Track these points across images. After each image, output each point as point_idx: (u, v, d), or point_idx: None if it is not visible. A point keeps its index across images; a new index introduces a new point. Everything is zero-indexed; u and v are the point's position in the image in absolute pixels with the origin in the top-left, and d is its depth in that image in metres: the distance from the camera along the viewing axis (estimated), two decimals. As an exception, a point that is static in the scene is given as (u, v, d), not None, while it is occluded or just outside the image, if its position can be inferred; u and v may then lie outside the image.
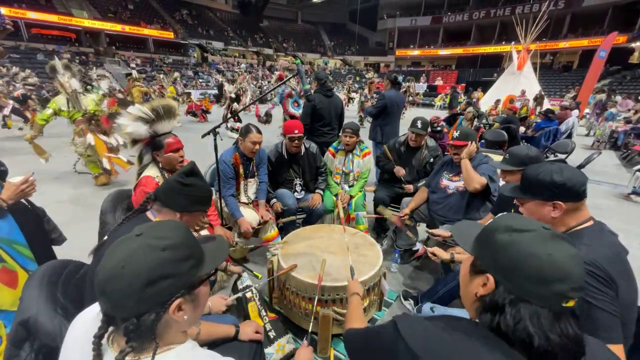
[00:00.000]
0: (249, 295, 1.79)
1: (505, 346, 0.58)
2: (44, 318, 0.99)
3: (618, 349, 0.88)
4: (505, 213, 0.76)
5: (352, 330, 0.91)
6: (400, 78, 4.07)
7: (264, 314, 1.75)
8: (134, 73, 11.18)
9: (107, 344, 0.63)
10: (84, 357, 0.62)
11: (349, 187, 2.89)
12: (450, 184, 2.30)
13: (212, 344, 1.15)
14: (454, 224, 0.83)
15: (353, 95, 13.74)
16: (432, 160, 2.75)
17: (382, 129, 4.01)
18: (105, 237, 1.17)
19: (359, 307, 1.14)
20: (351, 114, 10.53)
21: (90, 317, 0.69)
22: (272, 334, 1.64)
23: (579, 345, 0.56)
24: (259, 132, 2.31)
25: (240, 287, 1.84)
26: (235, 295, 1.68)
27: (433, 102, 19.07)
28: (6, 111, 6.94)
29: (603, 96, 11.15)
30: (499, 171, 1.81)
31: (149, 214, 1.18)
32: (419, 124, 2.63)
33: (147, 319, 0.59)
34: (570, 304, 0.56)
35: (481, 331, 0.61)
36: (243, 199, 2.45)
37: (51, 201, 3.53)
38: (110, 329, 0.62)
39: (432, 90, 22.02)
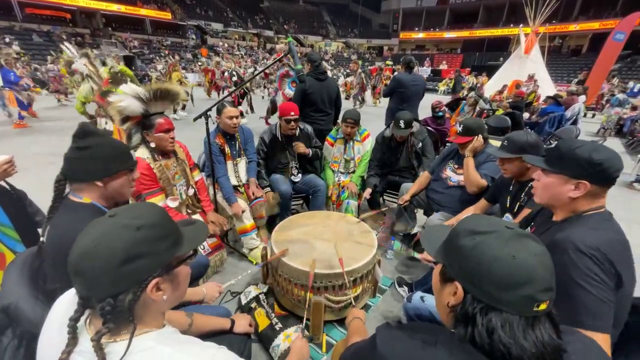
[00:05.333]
0: (253, 305, 1.81)
1: None
2: (25, 305, 0.97)
3: (604, 338, 0.86)
4: (470, 214, 0.71)
5: (343, 353, 0.88)
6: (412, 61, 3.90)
7: (271, 311, 1.77)
8: (171, 59, 10.92)
9: (83, 326, 0.62)
10: (62, 340, 0.61)
11: (349, 173, 2.85)
12: (452, 175, 2.23)
13: (203, 336, 1.14)
14: (423, 230, 0.79)
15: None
16: (420, 145, 2.68)
17: (394, 115, 3.91)
18: (43, 238, 1.05)
19: (359, 329, 1.09)
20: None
21: (68, 300, 0.68)
22: (278, 326, 1.65)
23: (556, 353, 0.52)
24: (234, 106, 2.30)
25: (245, 301, 1.85)
26: (229, 283, 1.67)
27: (437, 87, 18.69)
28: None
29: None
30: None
31: (72, 197, 1.06)
32: (401, 124, 2.52)
33: (124, 299, 0.59)
34: (542, 307, 0.53)
35: (460, 344, 0.57)
36: (234, 181, 2.41)
37: (36, 186, 3.50)
38: (88, 312, 0.62)
39: (436, 75, 21.55)
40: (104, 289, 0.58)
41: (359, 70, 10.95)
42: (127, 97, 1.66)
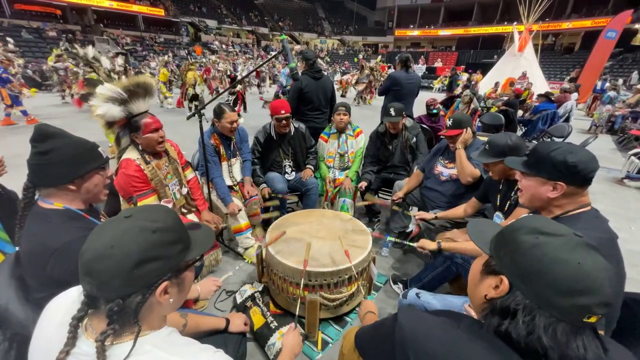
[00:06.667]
0: (248, 304, 1.81)
1: (514, 355, 0.53)
2: (14, 307, 0.96)
3: None
4: (530, 215, 0.69)
5: (360, 328, 0.89)
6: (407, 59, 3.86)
7: (266, 310, 1.77)
8: (190, 58, 10.80)
9: (81, 330, 0.61)
10: (57, 341, 0.60)
11: (343, 170, 2.85)
12: (444, 170, 2.26)
13: (198, 336, 1.13)
14: (470, 221, 0.78)
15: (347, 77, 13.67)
16: (414, 139, 2.71)
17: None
18: (17, 248, 1.03)
19: (372, 322, 1.12)
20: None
21: (67, 302, 0.67)
22: (273, 324, 1.66)
23: None
24: (233, 110, 2.27)
25: (240, 300, 1.85)
26: (226, 275, 1.67)
27: (432, 85, 18.75)
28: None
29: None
30: None
31: (42, 203, 1.01)
32: (392, 112, 2.56)
33: (133, 300, 0.59)
34: (593, 319, 0.50)
35: (485, 334, 0.57)
36: (228, 181, 2.39)
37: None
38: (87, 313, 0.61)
39: (431, 72, 21.60)
40: (115, 290, 0.57)
41: (367, 70, 10.98)
42: (103, 102, 1.59)
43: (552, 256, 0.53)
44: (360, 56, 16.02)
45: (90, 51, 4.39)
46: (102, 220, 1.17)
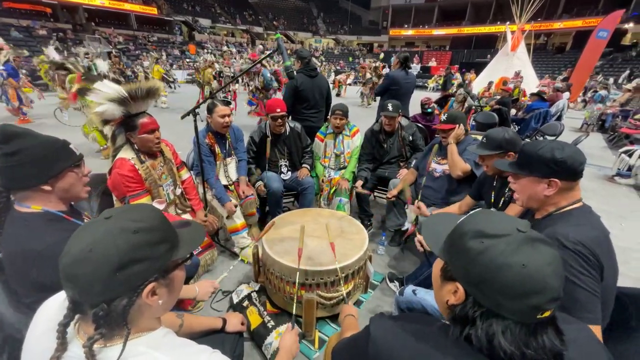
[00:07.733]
0: (245, 303, 1.81)
1: (483, 359, 0.54)
2: (6, 310, 0.95)
3: (595, 330, 0.88)
4: (478, 210, 0.69)
5: (336, 345, 0.88)
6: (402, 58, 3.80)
7: (263, 309, 1.77)
8: (209, 57, 10.75)
9: (73, 332, 0.60)
10: (49, 346, 0.59)
11: (339, 169, 2.85)
12: (437, 166, 2.28)
13: (195, 336, 1.12)
14: (424, 219, 0.78)
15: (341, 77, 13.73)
16: (411, 138, 2.74)
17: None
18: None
19: (352, 325, 1.09)
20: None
21: (55, 305, 0.66)
22: (270, 324, 1.66)
23: (557, 358, 0.52)
24: (225, 104, 2.25)
25: (237, 299, 1.85)
26: (222, 276, 1.66)
27: (426, 84, 18.85)
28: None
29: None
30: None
31: (18, 207, 0.98)
32: (389, 107, 2.58)
33: (118, 304, 0.57)
34: (546, 314, 0.52)
35: (452, 338, 0.58)
36: (224, 180, 2.38)
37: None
38: (77, 316, 0.60)
39: (426, 72, 21.69)
40: (97, 295, 0.55)
41: (368, 75, 11.09)
42: (104, 101, 1.56)
43: (498, 262, 0.53)
44: (366, 62, 16.02)
45: (54, 54, 4.33)
46: (85, 221, 1.15)
